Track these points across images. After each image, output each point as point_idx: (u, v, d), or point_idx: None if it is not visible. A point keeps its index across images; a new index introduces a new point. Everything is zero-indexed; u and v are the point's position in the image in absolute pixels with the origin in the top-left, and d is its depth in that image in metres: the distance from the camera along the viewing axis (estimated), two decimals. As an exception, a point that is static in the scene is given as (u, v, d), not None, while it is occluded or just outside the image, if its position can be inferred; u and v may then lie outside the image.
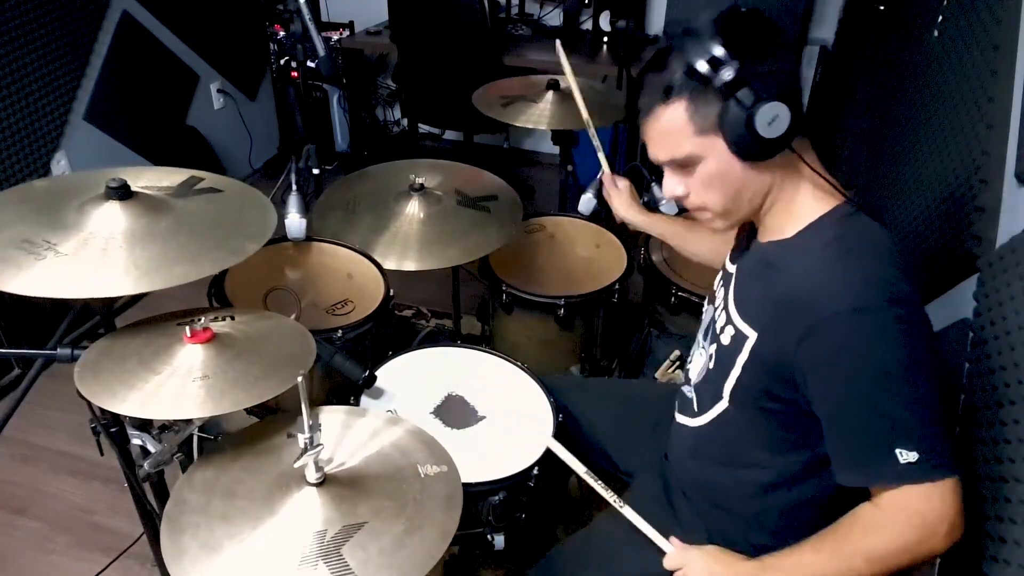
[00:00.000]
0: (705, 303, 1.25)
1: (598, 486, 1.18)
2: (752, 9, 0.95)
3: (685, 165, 1.00)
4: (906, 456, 0.90)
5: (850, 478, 0.97)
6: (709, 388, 1.15)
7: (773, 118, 0.91)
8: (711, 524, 1.20)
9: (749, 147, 0.94)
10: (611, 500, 1.18)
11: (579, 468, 1.21)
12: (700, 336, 1.23)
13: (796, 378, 0.98)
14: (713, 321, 1.16)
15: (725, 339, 1.09)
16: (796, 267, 0.99)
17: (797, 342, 0.95)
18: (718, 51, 0.90)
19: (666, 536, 1.15)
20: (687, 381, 1.25)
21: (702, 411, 1.18)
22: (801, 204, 1.01)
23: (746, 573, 1.05)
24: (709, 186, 1.00)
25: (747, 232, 1.16)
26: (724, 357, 1.09)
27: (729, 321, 1.09)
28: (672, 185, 1.04)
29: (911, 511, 0.93)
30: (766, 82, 0.91)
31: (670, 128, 0.97)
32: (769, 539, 1.11)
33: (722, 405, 1.12)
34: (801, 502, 1.10)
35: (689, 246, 1.56)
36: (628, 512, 1.17)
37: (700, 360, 1.20)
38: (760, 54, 0.92)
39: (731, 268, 1.16)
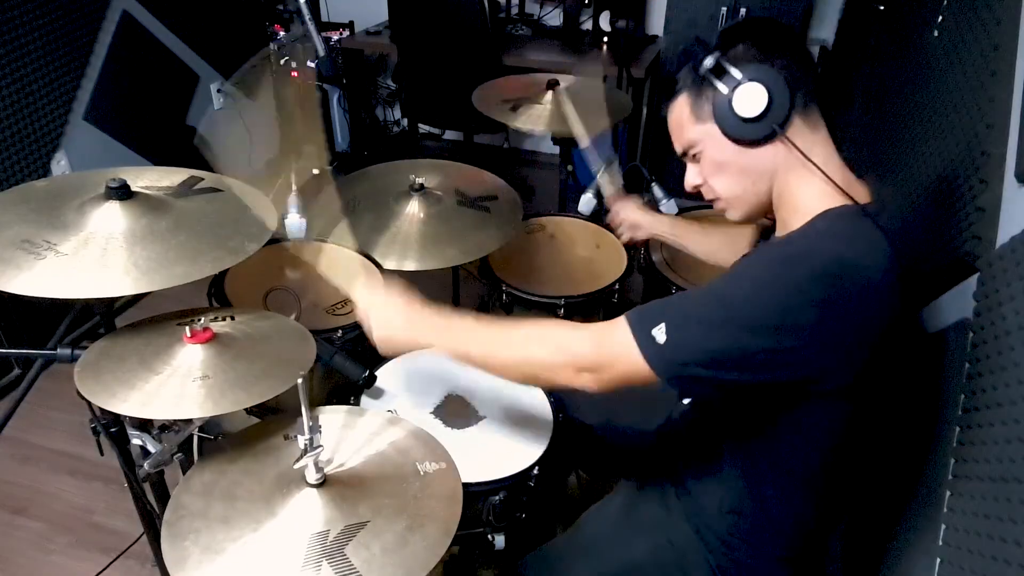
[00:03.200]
0: None
1: None
2: (765, 19, 1.06)
3: (695, 155, 1.09)
4: (659, 333, 0.94)
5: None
6: None
7: (750, 98, 0.98)
8: (689, 499, 1.22)
9: (735, 128, 1.01)
10: None
11: None
12: None
13: None
14: None
15: None
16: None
17: None
18: (712, 49, 1.01)
19: None
20: None
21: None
22: (805, 199, 1.02)
23: (409, 316, 1.16)
24: (715, 172, 1.08)
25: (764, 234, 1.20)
26: None
27: None
28: (691, 176, 1.12)
29: (606, 341, 0.99)
30: (748, 69, 0.99)
31: (677, 120, 1.09)
32: (738, 503, 1.15)
33: None
34: (771, 477, 1.12)
35: (695, 244, 1.61)
36: None
37: None
38: (752, 48, 1.00)
39: None
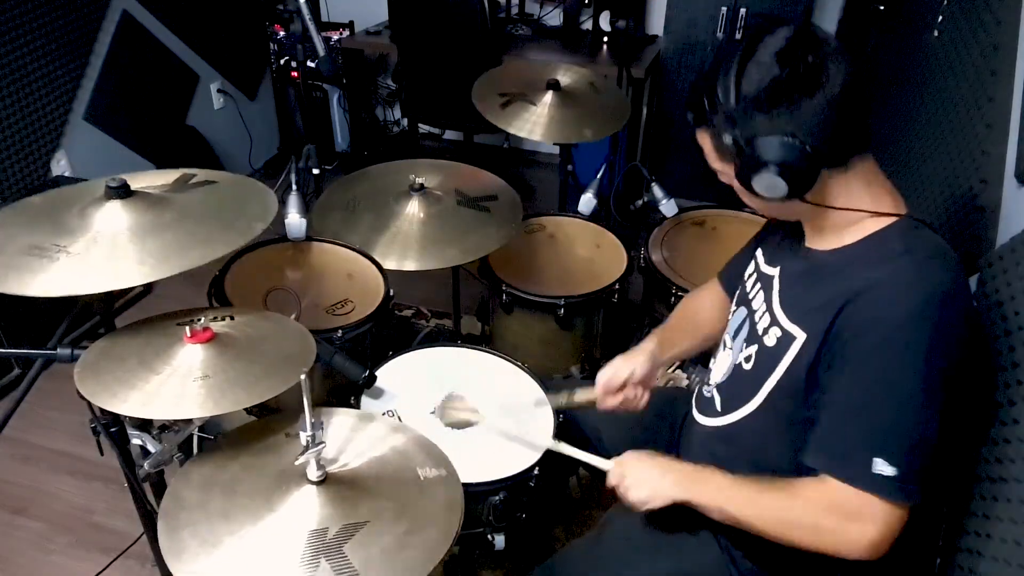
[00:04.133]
0: (732, 304, 1.24)
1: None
2: (814, 38, 0.92)
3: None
4: (881, 468, 0.91)
5: (817, 461, 0.98)
6: (740, 389, 1.14)
7: (768, 186, 0.94)
8: (718, 524, 1.19)
9: (757, 194, 0.96)
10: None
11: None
12: (728, 337, 1.22)
13: (827, 372, 0.98)
14: (752, 324, 1.14)
15: (770, 341, 1.07)
16: (861, 274, 0.97)
17: (846, 339, 0.95)
18: (737, 103, 0.92)
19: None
20: (707, 381, 1.24)
21: (727, 411, 1.17)
22: (858, 218, 1.00)
23: (676, 475, 1.10)
24: (744, 193, 1.03)
25: (784, 233, 1.15)
26: (766, 359, 1.08)
27: (775, 323, 1.07)
28: (723, 176, 1.06)
29: (850, 512, 0.94)
30: (772, 146, 0.91)
31: (704, 146, 1.02)
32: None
33: (751, 406, 1.11)
34: None
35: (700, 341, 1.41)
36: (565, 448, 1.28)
37: (726, 360, 1.19)
38: (788, 104, 0.91)
39: (770, 271, 1.15)
